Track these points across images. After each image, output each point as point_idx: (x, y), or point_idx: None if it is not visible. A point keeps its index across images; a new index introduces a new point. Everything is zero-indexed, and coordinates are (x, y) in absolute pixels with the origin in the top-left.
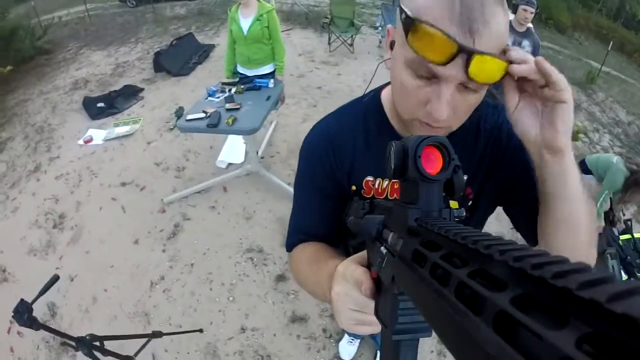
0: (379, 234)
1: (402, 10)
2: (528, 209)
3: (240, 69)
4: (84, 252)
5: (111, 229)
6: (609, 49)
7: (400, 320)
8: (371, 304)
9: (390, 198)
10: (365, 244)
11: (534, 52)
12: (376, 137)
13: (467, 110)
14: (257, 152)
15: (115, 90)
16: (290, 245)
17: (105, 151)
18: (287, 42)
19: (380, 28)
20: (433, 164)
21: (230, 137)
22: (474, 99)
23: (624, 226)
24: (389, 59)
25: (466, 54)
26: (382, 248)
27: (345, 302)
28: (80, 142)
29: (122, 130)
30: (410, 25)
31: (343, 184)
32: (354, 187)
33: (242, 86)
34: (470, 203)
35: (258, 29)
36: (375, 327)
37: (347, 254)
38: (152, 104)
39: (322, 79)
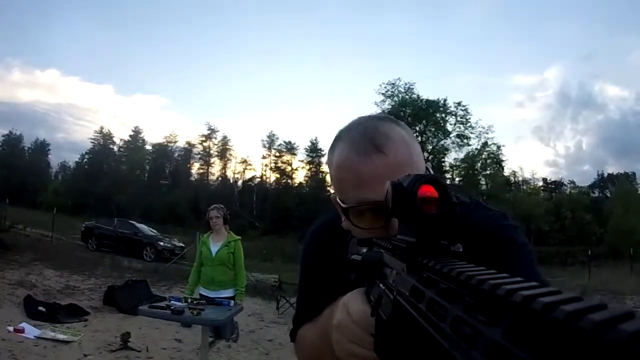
0: (377, 271)
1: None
2: None
3: (202, 291)
4: None
5: None
6: None
7: (399, 356)
8: (370, 338)
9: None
10: (363, 280)
11: None
12: None
13: None
14: None
15: (59, 303)
16: (293, 333)
17: (35, 346)
18: None
19: None
20: (429, 201)
21: None
22: None
23: None
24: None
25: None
26: (381, 285)
27: (344, 333)
28: (10, 329)
29: (58, 335)
30: None
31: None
32: None
33: (204, 300)
34: None
35: (225, 253)
36: None
37: None
38: (96, 327)
39: (273, 334)
